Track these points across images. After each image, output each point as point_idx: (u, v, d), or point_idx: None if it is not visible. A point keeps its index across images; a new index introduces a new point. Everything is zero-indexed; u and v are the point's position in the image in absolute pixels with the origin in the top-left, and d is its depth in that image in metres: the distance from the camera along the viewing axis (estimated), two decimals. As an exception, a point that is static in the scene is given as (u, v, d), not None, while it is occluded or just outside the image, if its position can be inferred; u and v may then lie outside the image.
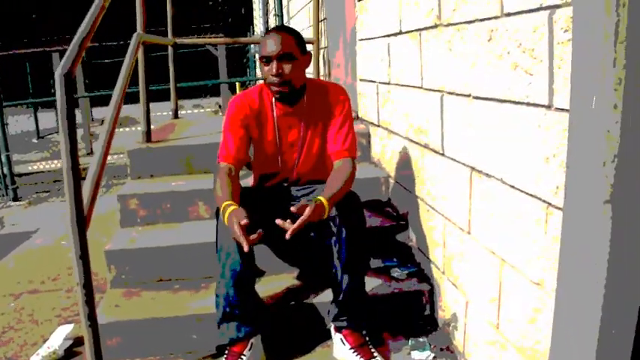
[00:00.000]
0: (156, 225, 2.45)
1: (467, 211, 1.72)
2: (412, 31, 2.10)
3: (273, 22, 7.57)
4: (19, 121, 8.44)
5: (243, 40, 7.98)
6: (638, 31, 0.87)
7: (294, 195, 2.05)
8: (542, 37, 1.22)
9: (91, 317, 1.57)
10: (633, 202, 0.92)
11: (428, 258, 2.14)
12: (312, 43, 3.43)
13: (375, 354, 1.83)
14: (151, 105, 2.91)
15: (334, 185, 1.76)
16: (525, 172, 1.34)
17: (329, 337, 1.94)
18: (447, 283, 1.95)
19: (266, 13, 8.91)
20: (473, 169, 1.66)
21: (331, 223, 1.78)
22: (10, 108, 6.29)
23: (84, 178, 1.58)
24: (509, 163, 1.43)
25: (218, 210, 1.74)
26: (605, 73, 0.90)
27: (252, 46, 10.14)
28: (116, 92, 2.08)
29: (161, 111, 5.58)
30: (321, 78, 3.74)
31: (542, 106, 1.24)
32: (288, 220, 1.58)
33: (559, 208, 1.18)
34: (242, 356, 1.78)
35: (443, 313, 2.02)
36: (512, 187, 1.42)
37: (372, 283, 2.09)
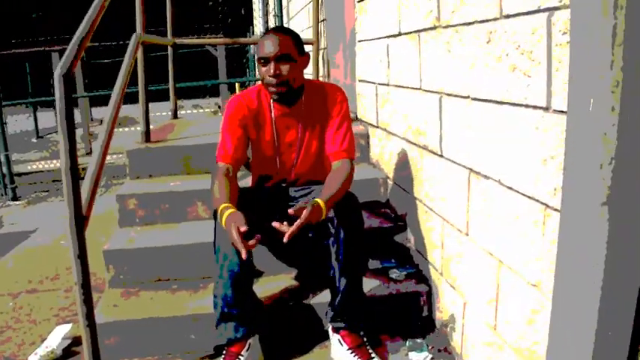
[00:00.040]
0: (154, 225, 2.45)
1: (465, 213, 1.73)
2: (411, 32, 2.10)
3: (272, 23, 7.58)
4: (19, 121, 8.45)
5: (242, 40, 7.96)
6: (635, 34, 0.87)
7: (292, 196, 2.05)
8: (540, 39, 1.22)
9: (89, 317, 1.58)
10: (630, 204, 0.92)
11: (426, 259, 2.14)
12: (312, 44, 3.43)
13: (373, 355, 1.84)
14: (150, 105, 2.91)
15: (332, 186, 1.76)
16: (523, 173, 1.35)
17: (327, 337, 1.95)
18: (445, 285, 1.95)
19: (266, 13, 8.93)
20: (471, 170, 1.67)
21: (329, 224, 1.78)
22: (10, 107, 6.29)
23: (83, 178, 1.58)
24: (508, 164, 1.43)
25: (216, 211, 1.75)
26: (602, 76, 0.90)
27: (251, 46, 10.11)
28: (115, 92, 2.08)
29: (160, 111, 5.58)
30: (321, 79, 3.74)
31: (541, 108, 1.24)
32: (285, 223, 1.58)
33: (557, 210, 1.18)
34: (240, 356, 1.78)
35: (441, 315, 2.02)
36: (511, 188, 1.42)
37: (370, 284, 2.09)
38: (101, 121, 3.17)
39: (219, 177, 1.81)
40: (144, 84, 2.84)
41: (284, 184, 2.07)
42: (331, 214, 1.75)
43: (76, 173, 1.49)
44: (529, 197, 1.32)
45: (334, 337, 1.89)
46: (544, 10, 1.19)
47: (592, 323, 0.98)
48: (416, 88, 2.11)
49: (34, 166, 6.60)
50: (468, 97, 1.65)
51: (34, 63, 10.11)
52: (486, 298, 1.61)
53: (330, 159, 1.93)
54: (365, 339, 1.88)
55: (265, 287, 2.11)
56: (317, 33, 3.48)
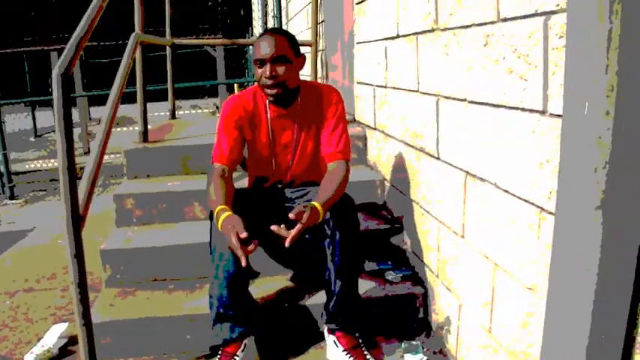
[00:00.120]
0: (152, 225, 2.45)
1: (461, 215, 1.73)
2: (409, 34, 2.11)
3: (271, 24, 7.58)
4: (17, 120, 8.43)
5: (241, 41, 7.96)
6: (630, 39, 0.88)
7: (289, 197, 2.05)
8: (537, 43, 1.23)
9: (86, 316, 1.58)
10: (623, 208, 0.92)
11: (422, 261, 2.14)
12: (311, 46, 3.44)
13: (368, 356, 1.84)
14: (149, 105, 2.91)
15: (328, 189, 1.77)
16: (519, 177, 1.35)
17: (322, 339, 1.95)
18: (441, 287, 1.95)
19: (265, 14, 8.94)
20: (467, 173, 1.67)
21: (325, 226, 1.79)
22: (8, 106, 6.29)
23: (80, 178, 1.58)
24: (504, 167, 1.44)
25: (212, 212, 1.75)
26: (597, 80, 0.91)
27: (250, 47, 10.14)
28: (113, 92, 2.08)
29: (158, 111, 5.59)
30: (319, 80, 3.74)
31: (537, 111, 1.25)
32: (283, 226, 1.59)
33: (552, 214, 1.19)
34: (235, 357, 1.79)
35: (436, 317, 2.03)
36: (506, 191, 1.42)
37: (366, 286, 2.09)
38: (99, 121, 3.17)
39: (215, 178, 1.82)
40: (142, 84, 2.84)
41: (280, 185, 2.07)
42: (327, 215, 1.75)
43: (73, 173, 1.49)
44: (525, 200, 1.33)
45: (330, 339, 1.89)
46: (541, 14, 1.20)
47: (586, 326, 0.98)
48: (413, 91, 2.11)
49: (32, 165, 6.60)
50: (465, 100, 1.65)
51: (33, 62, 10.11)
52: (482, 300, 1.61)
53: (326, 160, 1.93)
54: (360, 340, 1.89)
55: (261, 288, 2.11)
56: (315, 34, 3.48)
